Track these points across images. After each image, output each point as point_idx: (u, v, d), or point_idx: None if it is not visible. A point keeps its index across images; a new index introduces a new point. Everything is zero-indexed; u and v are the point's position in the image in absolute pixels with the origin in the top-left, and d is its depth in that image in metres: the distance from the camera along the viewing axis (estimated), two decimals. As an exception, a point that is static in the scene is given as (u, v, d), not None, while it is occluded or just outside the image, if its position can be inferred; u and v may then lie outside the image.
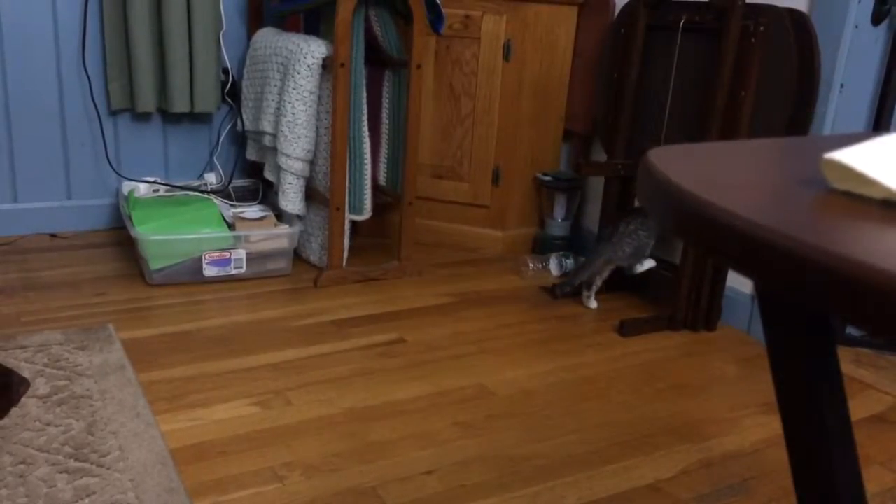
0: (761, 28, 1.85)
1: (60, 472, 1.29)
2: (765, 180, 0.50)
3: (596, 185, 2.62)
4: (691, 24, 2.03)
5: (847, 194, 0.51)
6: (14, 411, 1.46)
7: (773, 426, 1.65)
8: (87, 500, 1.23)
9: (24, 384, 1.00)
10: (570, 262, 2.43)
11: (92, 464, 1.32)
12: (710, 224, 0.41)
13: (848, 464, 0.61)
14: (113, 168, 2.50)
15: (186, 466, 1.35)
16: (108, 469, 1.31)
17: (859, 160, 0.51)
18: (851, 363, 1.95)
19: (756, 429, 1.63)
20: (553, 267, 2.45)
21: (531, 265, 2.44)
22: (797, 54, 1.84)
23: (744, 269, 0.41)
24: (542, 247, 2.60)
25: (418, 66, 2.17)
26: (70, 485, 1.26)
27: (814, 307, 0.37)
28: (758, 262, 0.39)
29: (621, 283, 2.34)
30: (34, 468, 1.30)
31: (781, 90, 1.86)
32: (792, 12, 1.86)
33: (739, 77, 1.89)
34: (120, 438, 1.40)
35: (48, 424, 1.43)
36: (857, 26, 1.83)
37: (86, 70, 2.38)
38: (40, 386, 1.56)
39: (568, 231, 2.61)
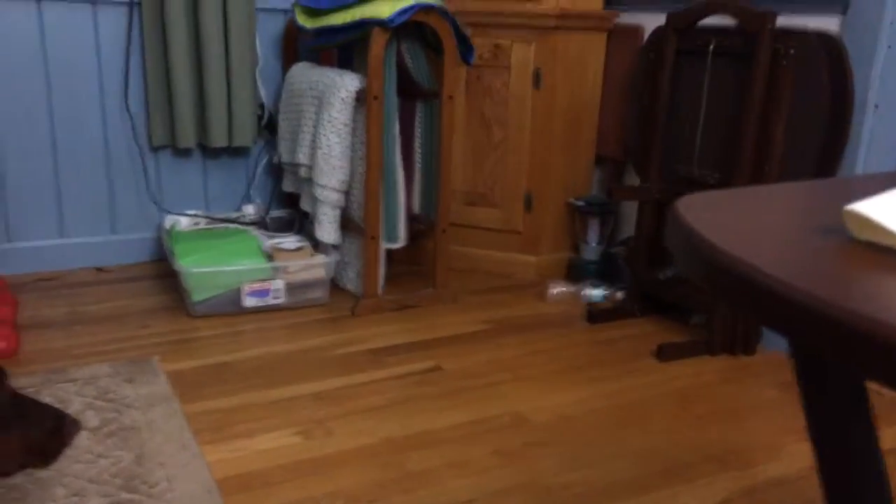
0: (792, 51, 1.85)
1: (111, 504, 1.33)
2: (789, 230, 0.51)
3: (629, 209, 2.63)
4: (721, 49, 2.04)
5: (870, 245, 0.52)
6: (65, 444, 1.50)
7: (815, 452, 1.63)
8: (137, 532, 1.26)
9: (75, 426, 1.04)
10: (600, 293, 2.41)
11: (142, 495, 1.36)
12: (736, 281, 0.43)
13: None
14: (155, 202, 2.57)
15: (232, 497, 1.38)
16: (156, 500, 1.35)
17: (880, 211, 0.52)
18: (895, 386, 1.92)
19: (800, 455, 1.61)
20: (584, 296, 2.44)
21: (554, 290, 2.45)
22: (829, 77, 1.84)
23: (768, 325, 0.43)
24: (576, 271, 2.61)
25: (450, 97, 2.21)
26: (120, 516, 1.30)
27: (838, 362, 0.38)
28: (782, 320, 0.40)
29: (657, 305, 2.34)
30: (86, 500, 1.33)
31: (814, 113, 1.86)
32: (822, 36, 1.86)
33: (771, 101, 1.89)
34: (168, 469, 1.44)
35: (99, 456, 1.47)
36: (889, 46, 1.82)
37: (128, 109, 2.46)
38: (90, 418, 1.60)
39: (601, 256, 2.62)
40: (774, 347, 2.13)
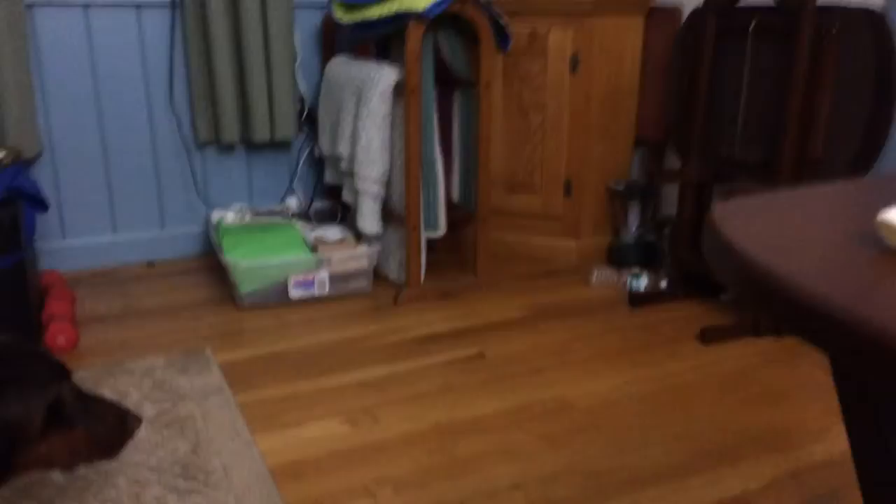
0: (835, 30, 1.82)
1: (171, 492, 1.39)
2: (825, 239, 0.52)
3: (670, 191, 2.61)
4: (761, 28, 2.01)
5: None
6: (126, 434, 1.57)
7: (863, 433, 1.62)
8: (196, 518, 1.32)
9: (137, 420, 1.09)
10: (642, 282, 2.40)
11: (199, 483, 1.42)
12: (770, 294, 0.44)
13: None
14: (201, 197, 2.63)
15: (285, 484, 1.43)
16: (213, 489, 1.40)
17: None
18: (946, 366, 1.89)
19: (846, 437, 1.60)
20: (628, 285, 2.42)
21: (597, 275, 2.45)
22: (874, 54, 1.81)
23: (804, 338, 0.44)
24: (616, 256, 2.60)
25: (487, 85, 2.22)
26: (181, 503, 1.36)
27: (873, 377, 0.40)
28: (816, 334, 0.41)
29: (699, 287, 2.33)
30: (148, 488, 1.40)
31: (858, 91, 1.83)
32: (868, 12, 1.83)
33: (814, 80, 1.87)
34: (223, 458, 1.49)
35: (157, 446, 1.53)
36: (936, 20, 1.78)
37: (173, 108, 2.53)
38: (147, 409, 1.67)
39: (640, 240, 2.61)
40: (821, 328, 2.11)
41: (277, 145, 2.71)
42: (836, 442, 1.59)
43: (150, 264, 2.62)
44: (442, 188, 2.27)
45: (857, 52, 1.83)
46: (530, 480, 1.45)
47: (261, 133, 2.55)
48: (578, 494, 1.41)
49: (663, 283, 2.39)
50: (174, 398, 1.72)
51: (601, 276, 2.46)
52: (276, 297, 2.24)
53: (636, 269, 2.46)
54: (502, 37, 2.24)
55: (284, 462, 1.50)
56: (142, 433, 1.57)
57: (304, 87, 2.65)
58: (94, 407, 1.05)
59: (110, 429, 1.05)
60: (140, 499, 1.37)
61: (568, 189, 2.57)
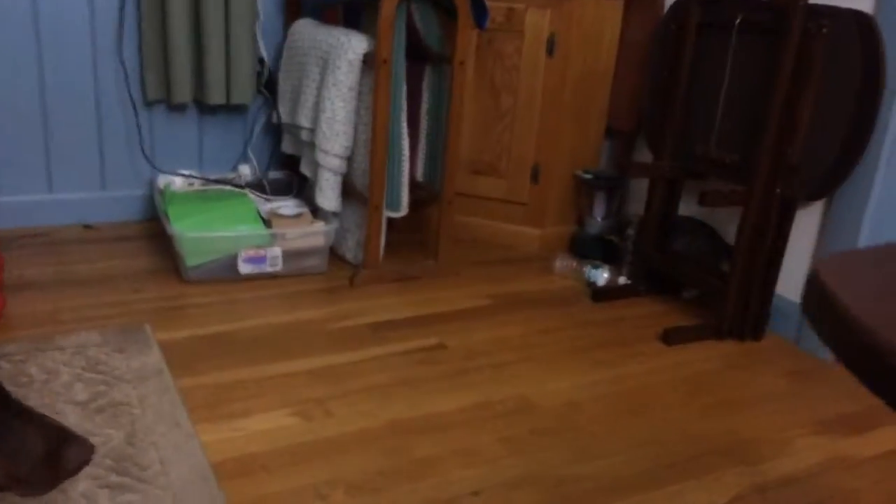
0: (824, 30, 1.77)
1: (102, 488, 1.27)
2: None
3: (638, 185, 2.55)
4: (748, 23, 1.95)
5: None
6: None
7: (827, 448, 1.59)
8: (129, 518, 1.21)
9: (83, 452, 0.86)
10: (602, 274, 2.34)
11: (133, 478, 1.30)
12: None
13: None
14: (147, 159, 2.47)
15: (228, 482, 1.32)
16: (149, 485, 1.29)
17: None
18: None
19: (811, 451, 1.58)
20: (588, 276, 2.36)
21: (559, 263, 2.39)
22: (861, 59, 1.76)
23: None
24: (579, 246, 2.54)
25: (461, 63, 2.11)
26: (112, 502, 1.24)
27: None
28: None
29: (662, 285, 2.28)
30: (76, 483, 1.27)
31: (842, 96, 1.78)
32: (857, 14, 1.78)
33: (799, 81, 1.81)
34: (160, 450, 1.38)
35: (88, 434, 1.40)
36: (926, 30, 1.74)
37: (122, 61, 2.34)
38: (79, 392, 1.53)
39: (607, 231, 2.55)
40: (782, 333, 2.08)
41: (232, 109, 2.56)
42: (801, 456, 1.56)
43: (88, 227, 2.45)
44: (407, 167, 2.16)
45: (844, 56, 1.78)
46: (490, 486, 1.38)
47: (216, 95, 2.39)
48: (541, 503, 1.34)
49: (622, 279, 2.34)
50: (109, 380, 1.59)
51: (563, 264, 2.39)
52: (225, 272, 2.11)
53: (597, 262, 2.40)
54: (480, 12, 2.13)
55: (228, 457, 1.39)
56: (72, 420, 1.44)
57: (264, 49, 2.49)
58: (18, 430, 0.86)
59: (36, 462, 0.84)
60: (67, 494, 1.24)
61: (535, 175, 2.49)
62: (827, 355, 1.98)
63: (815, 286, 0.45)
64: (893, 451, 1.61)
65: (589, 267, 2.35)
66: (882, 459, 1.57)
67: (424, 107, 2.29)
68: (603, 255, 2.47)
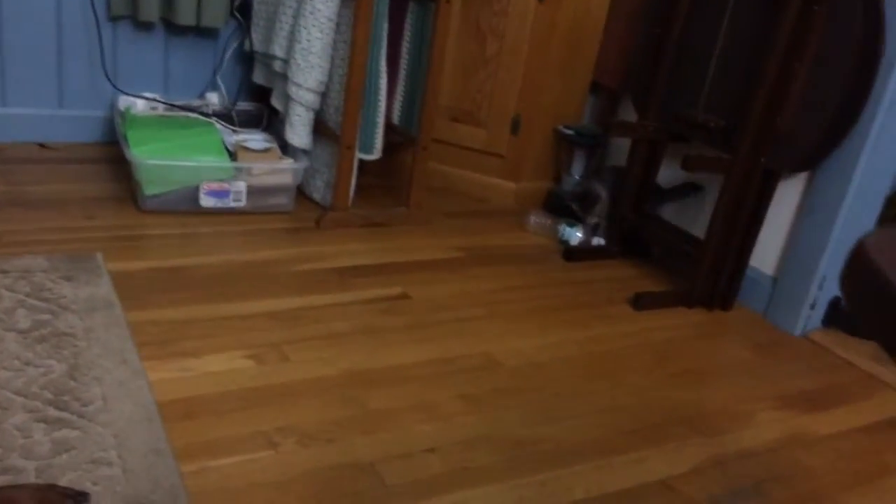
0: (826, -4, 1.70)
1: (38, 422, 1.20)
2: None
3: (619, 144, 2.49)
4: (747, -17, 1.87)
5: None
6: (-9, 346, 1.36)
7: (788, 423, 1.58)
8: (65, 456, 1.14)
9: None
10: (575, 233, 2.28)
11: (73, 413, 1.23)
12: None
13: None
14: (109, 79, 2.33)
15: (174, 424, 1.26)
16: (89, 421, 1.22)
17: None
18: (870, 359, 1.88)
19: (771, 425, 1.56)
20: (561, 234, 2.30)
21: (534, 220, 2.33)
22: (861, 29, 1.70)
23: None
24: (553, 203, 2.48)
25: (447, 2, 2.00)
26: (48, 437, 1.17)
27: None
28: None
29: (637, 249, 2.24)
30: (10, 414, 1.20)
31: (838, 66, 1.73)
32: (862, -18, 1.71)
33: (795, 48, 1.75)
34: (104, 386, 1.31)
35: (27, 364, 1.33)
36: (930, 4, 1.68)
37: (85, -30, 2.19)
38: (21, 318, 1.45)
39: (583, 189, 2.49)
40: (751, 305, 2.06)
41: (203, 32, 2.42)
42: (760, 430, 1.54)
43: (43, 146, 2.32)
44: (383, 108, 2.07)
45: (844, 25, 1.72)
46: (448, 444, 1.34)
47: (185, 15, 2.25)
48: (498, 464, 1.31)
49: (595, 240, 2.29)
50: (54, 308, 1.50)
51: (537, 220, 2.34)
52: (185, 204, 2.01)
53: (572, 220, 2.34)
54: (470, -52, 2.02)
55: (176, 398, 1.33)
56: (10, 347, 1.36)
57: (239, -29, 2.36)
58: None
59: None
60: (1, 426, 1.17)
61: (515, 127, 2.41)
62: (794, 329, 1.96)
63: (861, 263, 0.39)
64: (850, 430, 1.60)
65: (563, 225, 2.29)
66: (839, 438, 1.56)
67: (405, 46, 2.19)
68: (578, 213, 2.41)
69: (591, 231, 2.30)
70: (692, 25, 2.01)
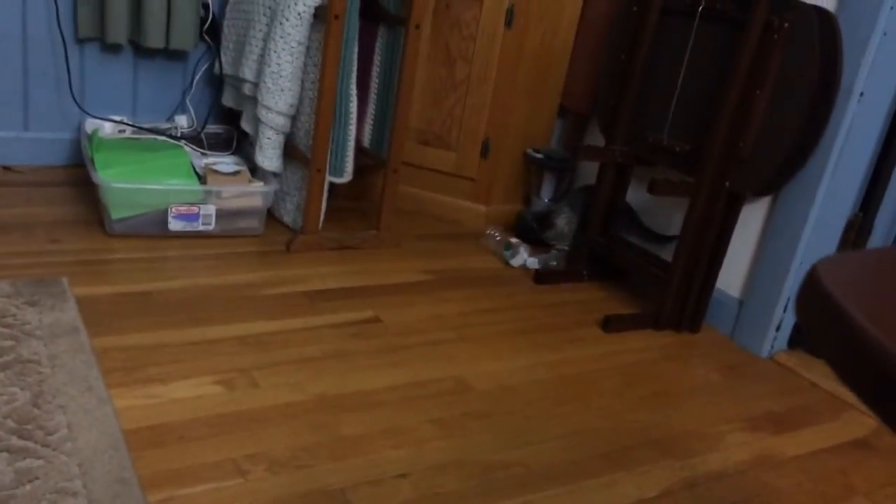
0: (786, 24, 1.75)
1: (1, 451, 1.17)
2: None
3: (587, 168, 2.52)
4: (710, 12, 1.91)
5: None
6: (-49, 374, 1.32)
7: (756, 445, 1.60)
8: (28, 487, 1.12)
9: None
10: (521, 255, 2.26)
11: (37, 443, 1.21)
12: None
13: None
14: (76, 101, 2.31)
15: (141, 452, 1.24)
16: (54, 450, 1.20)
17: None
18: (835, 380, 1.91)
19: (740, 447, 1.58)
20: (504, 255, 2.30)
21: (487, 234, 2.34)
22: (820, 56, 1.75)
23: None
24: (521, 225, 2.50)
25: (417, 26, 2.02)
26: (11, 466, 1.15)
27: None
28: None
29: (606, 271, 2.27)
30: (-30, 445, 1.17)
31: (798, 93, 1.77)
32: (820, 11, 1.76)
33: (757, 75, 1.79)
34: (69, 414, 1.28)
35: (-11, 392, 1.30)
36: (885, 34, 1.73)
37: (52, -8, 2.18)
38: (-18, 346, 1.42)
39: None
40: (718, 327, 2.09)
41: (172, 54, 2.41)
42: (729, 452, 1.56)
43: (7, 169, 2.29)
44: (354, 131, 2.07)
45: (803, 52, 1.76)
46: (419, 469, 1.33)
47: (154, 38, 2.25)
48: (469, 489, 1.30)
49: (553, 262, 2.30)
50: (17, 334, 1.47)
51: (490, 237, 2.35)
52: (153, 228, 1.99)
53: (515, 240, 2.31)
54: (440, -25, 2.05)
55: (143, 426, 1.31)
56: (-29, 375, 1.33)
57: (209, -6, 2.36)
58: None
59: None
60: (-41, 458, 1.14)
61: (485, 150, 2.43)
62: (760, 350, 1.99)
63: (814, 288, 0.41)
64: (817, 451, 1.63)
65: (504, 247, 2.29)
66: (806, 459, 1.59)
67: (375, 70, 2.20)
68: (543, 236, 2.43)
69: (550, 253, 2.29)
70: (657, 52, 2.05)
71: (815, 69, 1.75)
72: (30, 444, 1.20)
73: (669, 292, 2.00)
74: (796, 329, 2.01)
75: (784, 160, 1.83)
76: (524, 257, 2.26)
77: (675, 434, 1.58)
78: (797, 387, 1.88)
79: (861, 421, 1.76)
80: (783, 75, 1.79)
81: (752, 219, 2.02)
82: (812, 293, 0.41)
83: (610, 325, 1.98)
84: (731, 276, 2.07)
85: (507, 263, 2.27)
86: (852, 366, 0.36)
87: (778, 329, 1.98)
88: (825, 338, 0.38)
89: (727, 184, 1.89)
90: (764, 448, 1.60)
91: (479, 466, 1.37)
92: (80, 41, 2.28)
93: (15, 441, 1.20)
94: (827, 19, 1.77)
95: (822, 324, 0.39)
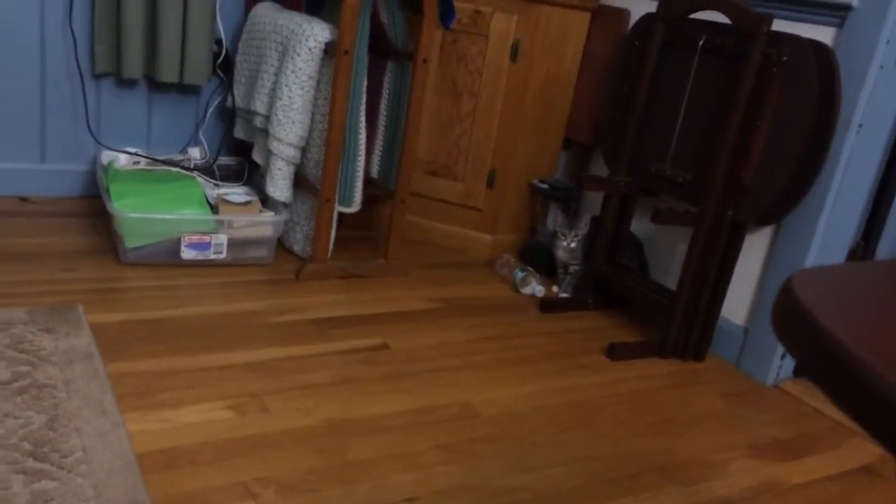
0: (784, 58, 1.79)
1: (17, 473, 1.20)
2: None
3: (593, 198, 2.56)
4: (710, 46, 1.96)
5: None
6: (-31, 398, 1.36)
7: (761, 472, 1.61)
8: (43, 508, 1.14)
9: None
10: (530, 286, 2.31)
11: (52, 465, 1.23)
12: (859, 385, 0.34)
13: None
14: (92, 134, 2.37)
15: (153, 475, 1.26)
16: (69, 472, 1.22)
17: None
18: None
19: (744, 474, 1.59)
20: (514, 278, 2.34)
21: (503, 260, 2.39)
22: (818, 89, 1.79)
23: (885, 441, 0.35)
24: (529, 255, 2.53)
25: (424, 61, 2.08)
26: (27, 488, 1.17)
27: None
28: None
29: (611, 300, 2.29)
30: (-12, 467, 1.20)
31: (797, 125, 1.81)
32: (817, 45, 1.81)
33: (756, 106, 1.83)
34: (84, 437, 1.31)
35: (6, 415, 1.33)
36: (882, 67, 1.78)
37: (71, 28, 2.25)
38: (0, 370, 1.45)
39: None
40: (723, 354, 2.11)
41: (185, 89, 2.48)
42: (734, 479, 1.57)
43: (24, 200, 2.34)
44: (362, 162, 2.12)
45: (802, 84, 1.81)
46: (426, 493, 1.35)
47: (168, 73, 2.31)
48: (476, 514, 1.32)
49: (555, 289, 2.33)
50: (33, 360, 1.51)
51: (504, 263, 2.39)
52: (166, 257, 2.03)
53: (525, 267, 2.36)
54: (447, 12, 2.10)
55: (156, 449, 1.33)
56: (-11, 399, 1.36)
57: (222, 29, 2.42)
58: None
59: None
60: (-23, 479, 1.17)
61: (491, 181, 2.47)
62: (766, 378, 2.01)
63: (789, 300, 0.43)
64: (822, 478, 1.63)
65: (517, 270, 2.33)
66: (811, 487, 1.59)
67: (384, 103, 2.25)
68: (551, 266, 2.46)
69: (563, 280, 2.33)
70: (659, 83, 2.10)
71: (814, 102, 1.79)
72: (45, 467, 1.23)
73: (674, 320, 2.03)
74: (800, 357, 2.03)
75: (784, 190, 1.87)
76: (535, 286, 2.29)
77: (681, 461, 1.60)
78: (802, 414, 1.89)
79: (866, 448, 1.77)
80: (782, 107, 1.83)
81: (755, 247, 2.05)
82: (787, 305, 0.44)
83: (615, 352, 2.00)
84: (736, 304, 2.10)
85: (516, 289, 2.30)
86: (827, 374, 0.38)
87: (783, 357, 2.00)
88: (801, 349, 0.41)
89: (729, 213, 1.92)
90: (769, 475, 1.60)
91: (485, 491, 1.38)
92: (97, 76, 2.34)
93: (31, 463, 1.23)
94: (825, 53, 1.81)
95: (797, 335, 0.42)
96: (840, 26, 1.83)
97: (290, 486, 1.30)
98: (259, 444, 1.40)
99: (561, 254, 2.27)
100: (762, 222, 1.99)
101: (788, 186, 1.86)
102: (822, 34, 1.86)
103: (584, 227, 2.24)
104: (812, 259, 1.91)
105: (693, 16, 2.01)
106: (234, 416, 1.46)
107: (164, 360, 1.61)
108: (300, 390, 1.59)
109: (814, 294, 0.43)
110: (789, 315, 0.43)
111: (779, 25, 1.89)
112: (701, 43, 1.98)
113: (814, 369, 0.39)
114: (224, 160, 2.46)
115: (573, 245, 2.24)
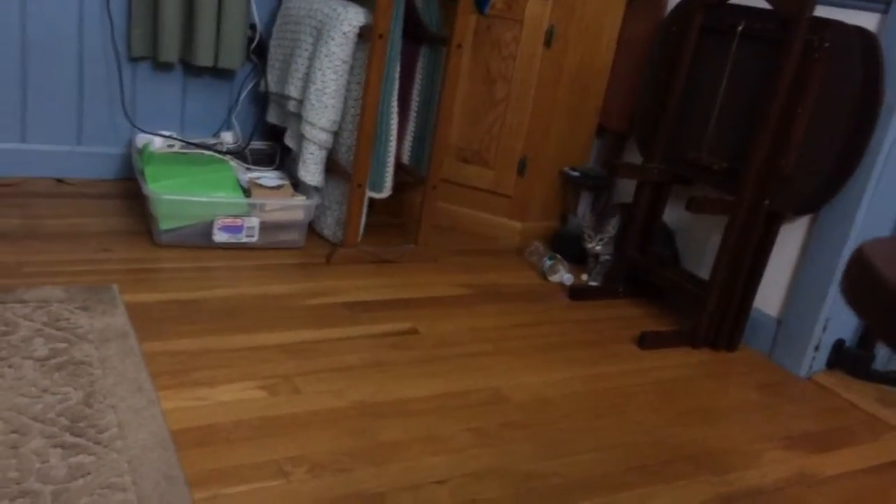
0: (826, 44, 1.75)
1: (55, 447, 1.22)
2: None
3: (625, 186, 2.54)
4: (750, 32, 1.93)
5: None
6: (10, 372, 1.38)
7: (794, 463, 1.59)
8: (81, 481, 1.16)
9: None
10: (560, 273, 2.29)
11: (88, 440, 1.25)
12: None
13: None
14: (128, 117, 2.40)
15: (187, 451, 1.28)
16: (105, 447, 1.24)
17: None
18: (876, 401, 1.89)
19: (777, 465, 1.57)
20: (542, 266, 2.33)
21: (533, 247, 2.39)
22: (862, 76, 1.75)
23: None
24: (559, 243, 2.51)
25: (458, 46, 2.07)
26: (64, 461, 1.19)
27: None
28: None
29: (643, 288, 2.27)
30: (28, 439, 1.22)
31: (839, 112, 1.78)
32: (861, 31, 1.77)
33: (797, 93, 1.80)
34: (119, 413, 1.33)
35: (44, 391, 1.35)
36: (927, 53, 1.73)
37: (109, 12, 2.27)
38: (38, 347, 1.48)
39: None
40: (756, 345, 2.08)
41: (219, 73, 2.49)
42: (767, 469, 1.55)
43: (61, 181, 2.38)
44: (394, 147, 2.12)
45: (845, 71, 1.77)
46: (456, 476, 1.35)
47: (203, 57, 2.32)
48: (506, 497, 1.32)
49: (585, 277, 2.31)
50: (70, 337, 1.53)
51: (534, 250, 2.38)
52: (199, 239, 2.05)
53: (554, 255, 2.34)
54: (481, -4, 2.09)
55: (190, 426, 1.35)
56: (28, 374, 1.38)
57: (257, 15, 2.43)
58: None
59: None
60: (18, 451, 1.19)
61: (522, 168, 2.46)
62: (799, 370, 1.98)
63: (861, 266, 0.42)
64: (856, 471, 1.61)
65: (546, 258, 2.32)
66: (845, 479, 1.57)
67: (417, 88, 2.25)
68: (580, 254, 2.44)
69: (593, 268, 2.31)
70: (697, 69, 2.07)
71: (857, 88, 1.76)
72: (82, 441, 1.25)
73: (707, 310, 2.00)
74: (835, 349, 1.99)
75: (824, 180, 1.83)
76: (563, 274, 2.28)
77: (713, 450, 1.58)
78: (836, 407, 1.86)
79: (903, 442, 1.74)
80: (824, 94, 1.80)
81: (791, 238, 2.02)
82: (858, 268, 0.43)
83: (646, 341, 1.98)
84: (770, 295, 2.07)
85: (544, 276, 2.29)
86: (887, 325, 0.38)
87: (817, 349, 1.97)
88: (870, 307, 0.40)
89: (766, 202, 1.89)
90: (802, 467, 1.58)
91: (516, 475, 1.38)
92: (133, 60, 2.36)
93: (68, 438, 1.25)
94: (870, 39, 1.77)
95: (866, 294, 0.41)
96: (885, 12, 1.79)
97: (322, 466, 1.31)
98: (291, 423, 1.41)
99: (590, 247, 2.25)
100: (799, 212, 1.95)
101: (828, 176, 1.83)
102: (866, 20, 1.82)
103: (611, 229, 2.21)
104: (850, 251, 1.88)
105: (732, 1, 1.97)
106: (267, 396, 1.48)
107: (198, 339, 1.63)
108: (331, 372, 1.60)
109: (887, 259, 0.42)
110: (862, 281, 0.42)
111: (821, 11, 1.85)
112: (740, 28, 1.95)
113: (887, 332, 0.39)
114: (256, 144, 2.48)
115: (598, 248, 2.22)
